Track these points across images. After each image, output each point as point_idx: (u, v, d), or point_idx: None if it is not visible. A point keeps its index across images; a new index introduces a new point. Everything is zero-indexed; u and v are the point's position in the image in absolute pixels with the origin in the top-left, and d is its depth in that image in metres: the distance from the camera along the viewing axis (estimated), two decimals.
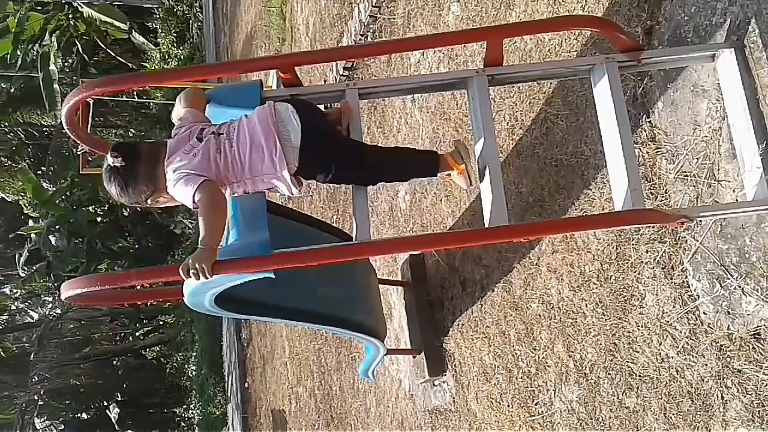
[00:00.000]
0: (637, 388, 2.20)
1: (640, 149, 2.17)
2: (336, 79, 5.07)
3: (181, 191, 1.95)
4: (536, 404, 2.73)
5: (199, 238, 1.87)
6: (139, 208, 2.21)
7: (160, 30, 17.22)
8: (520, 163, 2.86)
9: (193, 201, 1.91)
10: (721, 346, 1.90)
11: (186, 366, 18.59)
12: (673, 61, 1.96)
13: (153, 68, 16.70)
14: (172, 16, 16.76)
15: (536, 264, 2.76)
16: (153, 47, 17.71)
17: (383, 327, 3.56)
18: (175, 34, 16.50)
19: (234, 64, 2.01)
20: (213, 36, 14.86)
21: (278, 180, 2.01)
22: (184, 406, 20.01)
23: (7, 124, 21.64)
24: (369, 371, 3.62)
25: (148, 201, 2.07)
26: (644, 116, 2.17)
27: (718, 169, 1.92)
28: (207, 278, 1.81)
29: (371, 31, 4.58)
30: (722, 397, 1.89)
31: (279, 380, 7.94)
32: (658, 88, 2.12)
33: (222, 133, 2.03)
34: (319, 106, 2.16)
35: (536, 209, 2.75)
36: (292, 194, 2.08)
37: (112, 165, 2.02)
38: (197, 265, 1.78)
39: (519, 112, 2.87)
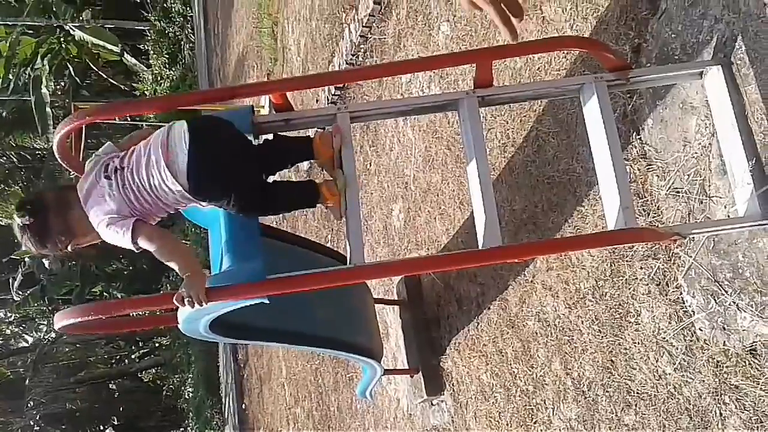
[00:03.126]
0: (636, 405, 2.19)
1: (631, 166, 2.18)
2: (328, 99, 5.09)
3: (113, 238, 1.94)
4: (535, 423, 2.72)
5: (178, 270, 1.86)
6: (65, 255, 2.20)
7: (151, 52, 17.29)
8: (513, 181, 2.87)
9: (135, 245, 1.90)
10: (718, 362, 1.90)
11: (182, 388, 18.47)
12: (661, 78, 1.98)
13: (145, 90, 16.74)
14: (164, 38, 16.83)
15: (531, 281, 2.75)
16: (145, 69, 17.76)
17: (379, 347, 3.55)
18: (167, 56, 16.57)
19: (225, 91, 2.01)
20: (205, 57, 14.93)
21: (180, 200, 2.00)
22: (181, 429, 19.85)
23: None
24: (367, 391, 3.60)
25: (69, 248, 2.06)
26: (634, 133, 2.18)
27: (709, 185, 1.93)
28: (202, 306, 1.79)
29: (362, 51, 4.60)
30: (720, 414, 1.89)
31: (276, 401, 7.89)
32: (647, 106, 2.13)
33: (124, 167, 2.00)
34: (311, 130, 2.16)
35: (530, 226, 2.76)
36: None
37: (20, 224, 2.01)
38: (191, 293, 1.78)
39: (510, 130, 2.89)
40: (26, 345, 23.97)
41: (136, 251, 1.93)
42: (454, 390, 3.39)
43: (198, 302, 1.78)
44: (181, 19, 16.64)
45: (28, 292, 20.07)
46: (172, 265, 1.90)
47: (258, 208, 2.11)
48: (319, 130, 2.19)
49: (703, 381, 1.95)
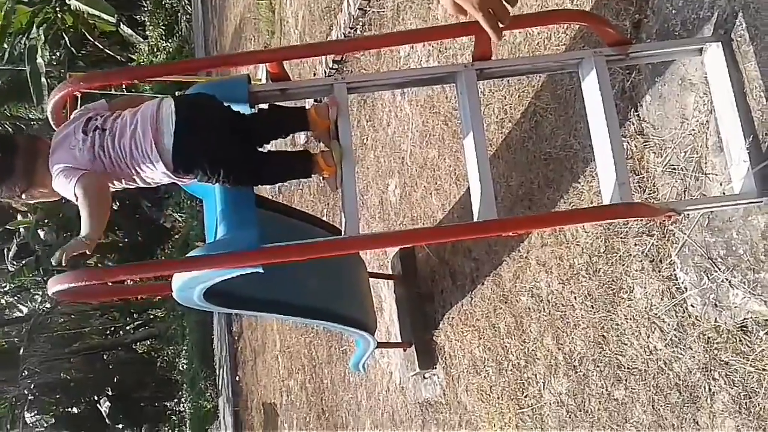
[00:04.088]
0: (626, 380, 2.22)
1: (628, 143, 2.17)
2: (326, 73, 5.05)
3: (61, 185, 1.97)
4: (526, 397, 2.75)
5: (83, 228, 1.88)
6: (14, 203, 2.21)
7: (148, 23, 17.09)
8: (510, 157, 2.86)
9: (74, 194, 1.92)
10: (709, 338, 1.91)
11: (177, 360, 18.57)
12: (660, 54, 1.97)
13: (141, 61, 16.60)
14: (161, 9, 16.63)
15: (526, 257, 2.76)
16: (141, 40, 17.57)
17: (374, 320, 3.57)
18: (163, 27, 16.38)
19: (222, 58, 2.01)
20: (202, 29, 14.77)
21: (159, 174, 2.02)
22: (175, 400, 20.01)
23: None
24: (360, 364, 3.62)
25: (22, 195, 2.09)
26: (632, 110, 2.18)
27: (706, 163, 1.93)
28: (61, 265, 1.82)
29: (360, 24, 4.56)
30: (710, 389, 1.91)
31: (270, 373, 7.95)
32: (646, 82, 2.12)
33: (106, 129, 2.01)
34: (309, 100, 2.15)
35: (525, 202, 2.76)
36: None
37: None
38: (66, 249, 1.81)
39: (508, 105, 2.87)
40: (21, 315, 24.01)
41: (75, 201, 1.93)
42: (446, 364, 3.42)
43: (61, 258, 1.80)
44: None
45: (23, 262, 20.05)
46: (84, 222, 1.90)
47: (250, 179, 2.11)
48: (315, 102, 2.18)
49: (694, 357, 1.96)
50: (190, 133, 1.97)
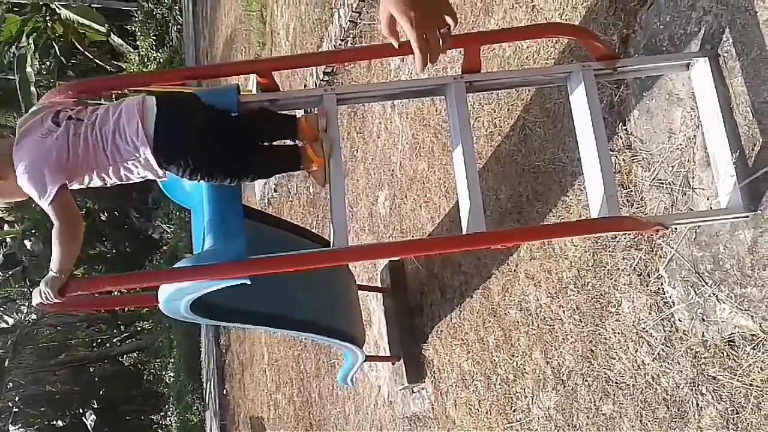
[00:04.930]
0: (614, 394, 2.21)
1: (616, 157, 2.18)
2: (316, 84, 5.05)
3: (29, 188, 1.92)
4: (514, 411, 2.73)
5: (54, 260, 1.87)
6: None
7: (139, 33, 17.10)
8: (499, 170, 2.87)
9: (50, 212, 1.89)
10: (696, 353, 1.91)
11: (163, 372, 18.42)
12: (648, 69, 1.98)
13: (132, 71, 16.57)
14: (152, 19, 16.65)
15: (514, 270, 2.76)
16: (132, 50, 17.58)
17: (362, 333, 3.55)
18: (154, 38, 16.40)
19: (212, 68, 2.01)
20: (192, 39, 14.79)
21: (140, 166, 1.99)
22: (162, 413, 19.83)
23: None
24: (348, 378, 3.60)
25: None
26: (620, 124, 2.19)
27: (693, 177, 1.94)
28: (53, 302, 1.86)
29: (351, 36, 4.57)
30: (697, 404, 1.90)
31: (258, 387, 7.89)
32: (633, 96, 2.13)
33: (82, 119, 1.98)
34: (298, 111, 2.14)
35: (514, 215, 2.76)
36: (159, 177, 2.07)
37: None
38: (48, 289, 1.84)
39: (497, 118, 2.88)
40: (6, 326, 23.77)
41: (45, 209, 1.91)
42: (435, 378, 3.40)
43: (50, 299, 1.85)
44: (169, 0, 16.47)
45: (9, 273, 19.89)
46: (56, 251, 1.88)
47: (237, 171, 2.07)
48: (305, 112, 2.18)
49: (681, 371, 1.96)
50: (173, 122, 1.96)
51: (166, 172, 2.03)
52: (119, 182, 2.05)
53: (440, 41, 1.28)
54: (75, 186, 2.00)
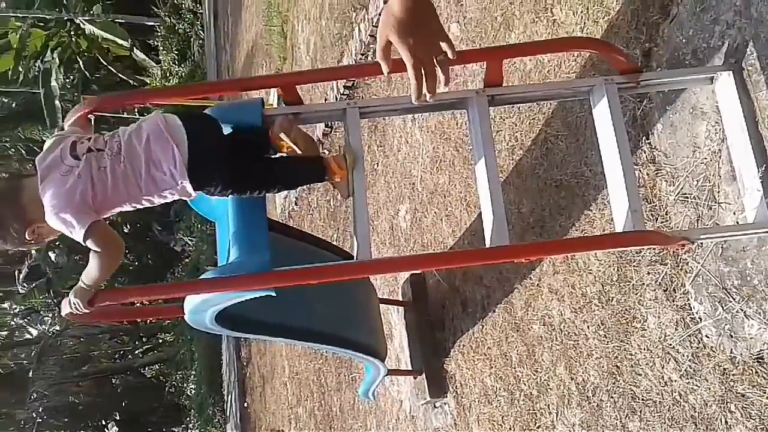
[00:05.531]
0: (640, 411, 2.18)
1: (639, 170, 2.16)
2: (336, 98, 5.09)
3: (58, 227, 1.88)
4: (538, 427, 2.71)
5: (89, 279, 1.86)
6: (28, 247, 2.07)
7: (161, 47, 17.34)
8: (521, 183, 2.86)
9: (88, 245, 1.86)
10: (725, 369, 1.88)
11: (185, 385, 18.51)
12: (671, 83, 1.96)
13: (154, 85, 16.80)
14: (174, 34, 16.88)
15: (537, 285, 2.74)
16: (154, 64, 17.82)
17: (384, 347, 3.54)
18: (176, 52, 16.61)
19: (236, 83, 2.03)
20: (214, 54, 14.96)
21: (176, 193, 1.97)
22: (183, 426, 19.90)
23: (8, 139, 21.76)
24: (369, 392, 3.59)
25: (27, 237, 1.96)
26: (644, 138, 2.17)
27: (719, 191, 1.92)
28: (82, 313, 1.87)
29: (371, 50, 4.60)
30: (726, 422, 1.87)
31: (278, 400, 7.89)
32: (657, 110, 2.12)
33: (102, 150, 1.90)
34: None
35: (536, 230, 2.75)
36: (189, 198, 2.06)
37: None
38: (77, 299, 1.85)
39: (519, 132, 2.88)
40: (30, 337, 24.06)
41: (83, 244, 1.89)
42: (457, 392, 3.38)
43: (79, 309, 1.86)
44: (191, 15, 16.69)
45: (34, 284, 20.16)
46: (95, 273, 1.86)
47: (263, 183, 2.08)
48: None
49: (709, 389, 1.93)
50: (203, 142, 1.94)
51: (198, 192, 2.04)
52: (152, 206, 2.06)
53: (437, 70, 1.28)
54: (104, 216, 1.96)
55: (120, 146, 1.91)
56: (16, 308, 24.03)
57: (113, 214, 2.00)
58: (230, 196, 2.06)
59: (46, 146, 1.98)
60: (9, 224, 1.93)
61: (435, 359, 3.56)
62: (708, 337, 1.94)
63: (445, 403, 3.51)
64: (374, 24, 4.43)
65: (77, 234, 1.84)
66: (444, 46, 1.29)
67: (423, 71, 1.26)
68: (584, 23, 2.41)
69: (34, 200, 1.88)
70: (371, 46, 4.59)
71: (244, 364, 10.74)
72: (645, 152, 2.16)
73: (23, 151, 22.10)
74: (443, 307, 3.57)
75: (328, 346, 3.30)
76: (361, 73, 3.44)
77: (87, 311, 1.89)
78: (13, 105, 20.85)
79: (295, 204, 6.75)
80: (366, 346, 3.26)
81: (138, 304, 2.60)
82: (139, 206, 2.00)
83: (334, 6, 5.50)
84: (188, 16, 16.72)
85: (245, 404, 10.55)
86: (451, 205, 3.46)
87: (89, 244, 1.85)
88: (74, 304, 1.88)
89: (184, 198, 2.04)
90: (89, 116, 2.08)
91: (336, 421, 5.44)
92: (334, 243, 4.82)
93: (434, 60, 1.28)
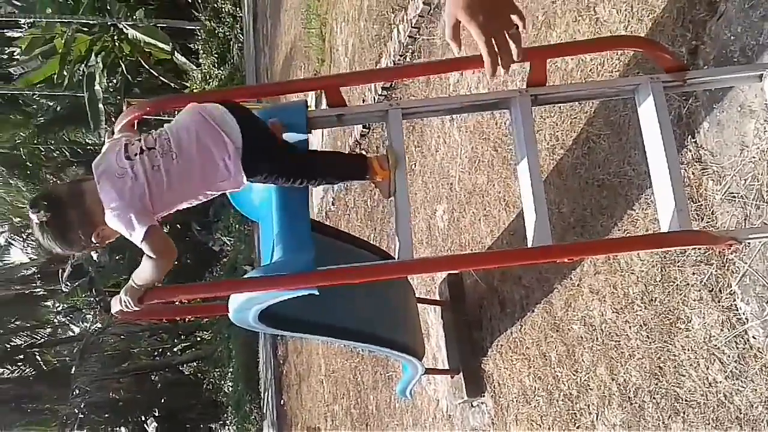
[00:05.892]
0: (684, 413, 2.16)
1: (685, 170, 2.14)
2: (374, 99, 5.11)
3: (117, 227, 1.90)
4: (578, 428, 2.69)
5: (140, 279, 1.90)
6: (92, 251, 2.10)
7: (201, 51, 17.63)
8: (561, 183, 2.85)
9: (143, 247, 1.89)
10: None
11: (222, 382, 18.75)
12: (718, 81, 1.94)
13: (194, 88, 17.08)
14: (214, 38, 17.14)
15: (578, 285, 2.73)
16: (195, 68, 18.12)
17: (422, 346, 3.56)
18: (216, 55, 16.86)
19: (280, 86, 2.06)
20: (253, 57, 15.15)
21: (231, 185, 1.99)
22: (221, 422, 20.15)
23: (53, 142, 22.31)
24: (407, 390, 3.61)
25: (93, 239, 1.98)
26: (689, 137, 2.15)
27: (767, 191, 1.89)
28: (132, 310, 1.92)
29: (410, 51, 4.62)
30: None
31: (315, 398, 7.95)
32: (703, 109, 2.10)
33: (153, 148, 1.91)
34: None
35: (578, 230, 2.73)
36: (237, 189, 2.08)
37: (37, 222, 1.92)
38: (128, 297, 1.89)
39: (560, 132, 2.86)
40: (73, 335, 24.62)
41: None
42: (494, 392, 3.38)
43: (129, 307, 1.91)
44: (231, 19, 16.93)
45: (77, 283, 20.63)
46: (147, 274, 1.90)
47: (308, 172, 2.10)
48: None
49: (755, 390, 1.90)
50: (251, 131, 1.95)
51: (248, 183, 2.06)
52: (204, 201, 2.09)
53: (510, 46, 1.24)
54: (162, 214, 1.99)
55: (170, 143, 1.93)
56: (59, 306, 24.62)
57: (169, 212, 2.02)
58: (275, 183, 2.09)
59: (101, 153, 2.03)
60: (76, 228, 1.96)
61: (472, 359, 3.56)
62: (755, 338, 1.91)
63: (482, 403, 3.51)
64: (413, 25, 4.45)
65: (136, 236, 1.87)
66: (515, 18, 1.24)
67: (496, 47, 1.23)
68: (628, 21, 2.40)
69: (95, 203, 1.91)
70: (410, 47, 4.60)
71: (281, 362, 10.84)
72: (691, 151, 2.14)
73: (67, 154, 22.65)
74: (481, 307, 3.56)
75: (366, 345, 3.32)
76: (404, 74, 3.46)
77: (137, 309, 1.94)
78: (58, 108, 21.37)
79: (332, 204, 6.80)
80: (404, 344, 3.27)
81: (178, 303, 2.65)
82: (196, 201, 2.02)
83: (372, 8, 5.54)
84: (228, 19, 16.97)
85: (282, 401, 10.65)
86: (490, 204, 3.46)
87: (144, 246, 1.88)
88: (125, 302, 1.93)
89: (234, 189, 2.07)
90: (134, 121, 2.13)
91: (372, 419, 5.47)
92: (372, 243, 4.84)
93: (506, 34, 1.24)
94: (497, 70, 1.25)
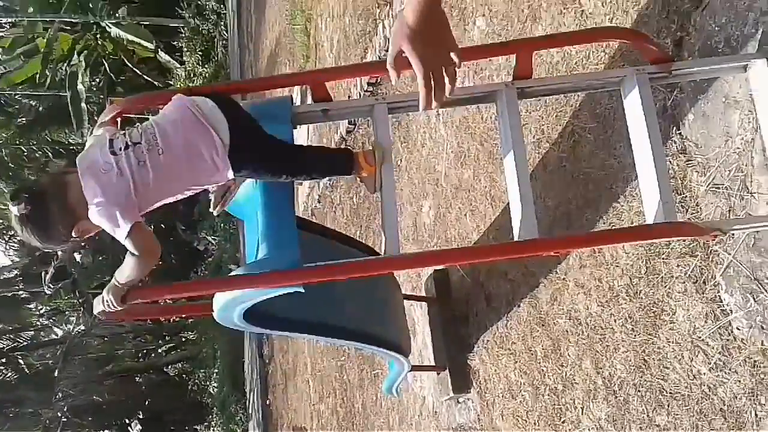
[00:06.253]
0: (668, 405, 2.16)
1: (670, 161, 2.14)
2: (360, 95, 5.09)
3: (100, 223, 1.87)
4: (563, 422, 2.69)
5: (123, 278, 1.87)
6: (72, 245, 2.05)
7: (185, 49, 17.52)
8: (547, 177, 2.84)
9: (126, 244, 1.86)
10: (755, 362, 1.86)
11: (208, 383, 18.66)
12: (704, 72, 1.94)
13: (179, 86, 16.95)
14: (198, 35, 17.05)
15: (563, 279, 2.73)
16: (178, 66, 18.01)
17: (408, 342, 3.54)
18: (200, 53, 16.78)
19: (263, 81, 2.04)
20: (237, 54, 15.07)
21: (217, 181, 1.98)
22: (206, 424, 20.04)
23: (35, 142, 22.09)
24: (393, 388, 3.59)
25: (73, 234, 1.94)
26: (674, 128, 2.15)
27: (751, 182, 1.89)
28: (115, 310, 1.89)
29: None
30: (756, 414, 1.84)
31: (301, 397, 7.93)
32: (688, 100, 2.10)
33: (138, 143, 1.87)
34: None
35: (563, 223, 2.73)
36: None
37: (18, 214, 1.88)
38: (111, 297, 1.86)
39: (545, 125, 2.86)
40: (56, 337, 24.39)
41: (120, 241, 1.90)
42: (481, 388, 3.37)
43: (112, 306, 1.88)
44: (215, 16, 16.85)
45: (60, 285, 20.44)
46: (129, 272, 1.86)
47: (294, 168, 2.08)
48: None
49: (739, 381, 1.91)
50: (242, 125, 1.93)
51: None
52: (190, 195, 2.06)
53: (446, 81, 1.32)
54: (148, 210, 1.95)
55: (156, 137, 1.89)
56: (42, 309, 24.38)
57: (153, 208, 1.98)
58: (261, 178, 2.07)
59: (86, 147, 1.99)
60: (57, 222, 1.92)
61: (459, 355, 3.55)
62: (738, 329, 1.91)
63: (468, 399, 3.50)
64: None
65: (120, 232, 1.83)
66: (453, 56, 1.33)
67: (432, 81, 1.29)
68: (613, 13, 2.40)
69: (78, 197, 1.87)
70: None
71: (267, 361, 10.79)
72: (676, 143, 2.14)
73: (50, 153, 22.43)
74: (467, 303, 3.56)
75: (352, 342, 3.31)
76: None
77: (120, 308, 1.90)
78: (40, 108, 21.17)
79: (318, 202, 6.77)
80: (390, 341, 3.26)
81: (162, 303, 2.62)
82: (181, 196, 1.99)
83: (357, 3, 5.52)
84: (212, 16, 16.89)
85: (267, 401, 10.61)
86: (476, 200, 3.45)
87: (128, 243, 1.84)
88: (108, 301, 1.88)
89: (220, 183, 2.05)
90: (117, 118, 2.08)
91: (358, 418, 5.45)
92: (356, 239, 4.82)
93: (443, 70, 1.31)
94: (431, 104, 1.32)
